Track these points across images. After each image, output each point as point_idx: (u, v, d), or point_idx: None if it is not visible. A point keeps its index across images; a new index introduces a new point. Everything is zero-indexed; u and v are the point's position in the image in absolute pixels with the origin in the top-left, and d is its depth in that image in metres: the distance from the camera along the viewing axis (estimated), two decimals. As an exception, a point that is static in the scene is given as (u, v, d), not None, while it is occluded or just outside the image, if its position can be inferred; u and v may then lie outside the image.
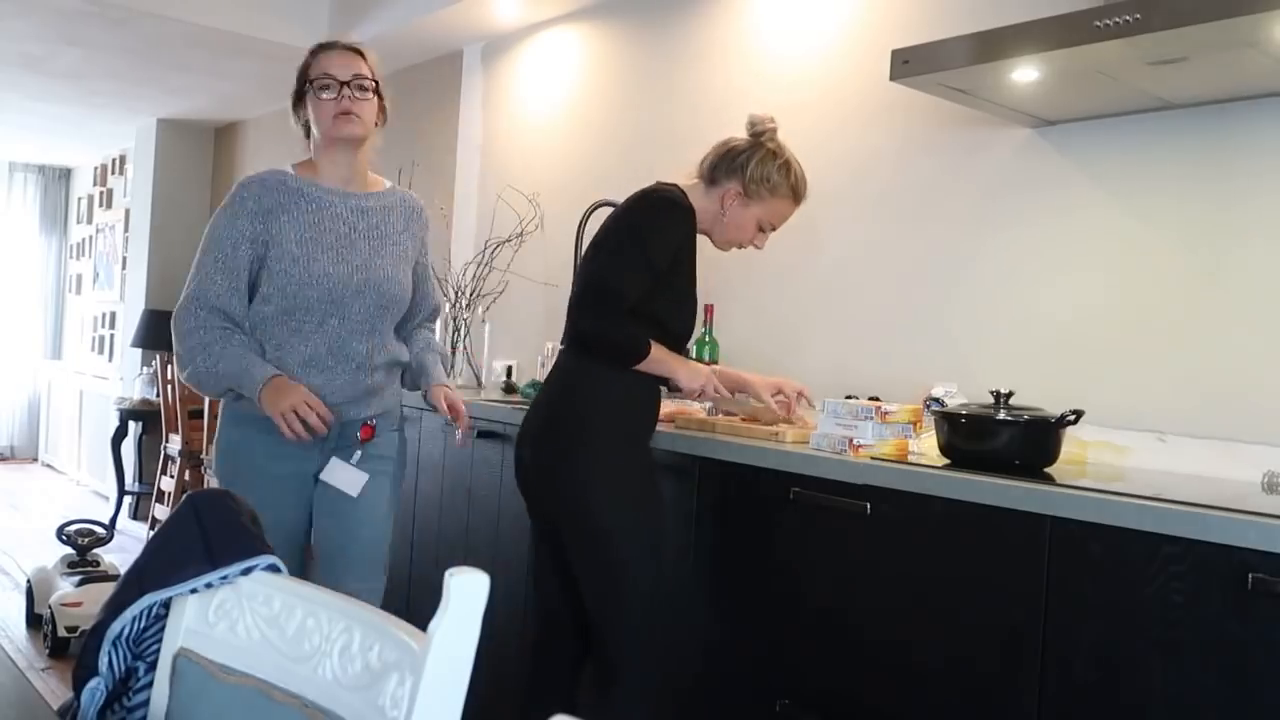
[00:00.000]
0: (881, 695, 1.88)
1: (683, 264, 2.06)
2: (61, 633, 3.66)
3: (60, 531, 4.06)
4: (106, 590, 3.89)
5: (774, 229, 2.18)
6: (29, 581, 4.06)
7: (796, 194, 2.14)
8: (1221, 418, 2.05)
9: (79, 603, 3.68)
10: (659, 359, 2.02)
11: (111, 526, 4.47)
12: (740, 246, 2.19)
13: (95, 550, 4.08)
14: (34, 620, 3.99)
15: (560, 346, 2.14)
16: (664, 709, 2.05)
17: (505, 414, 2.76)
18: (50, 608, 3.73)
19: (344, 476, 2.13)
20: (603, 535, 1.97)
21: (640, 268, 1.98)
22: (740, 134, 2.15)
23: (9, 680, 1.10)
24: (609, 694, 2.00)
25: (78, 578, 3.89)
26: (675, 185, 2.13)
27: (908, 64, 2.07)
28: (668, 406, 2.39)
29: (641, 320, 2.01)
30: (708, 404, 2.49)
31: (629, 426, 2.04)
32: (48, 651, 3.71)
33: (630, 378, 2.02)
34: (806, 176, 2.15)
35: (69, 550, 4.07)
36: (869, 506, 1.91)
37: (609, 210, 3.21)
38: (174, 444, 5.49)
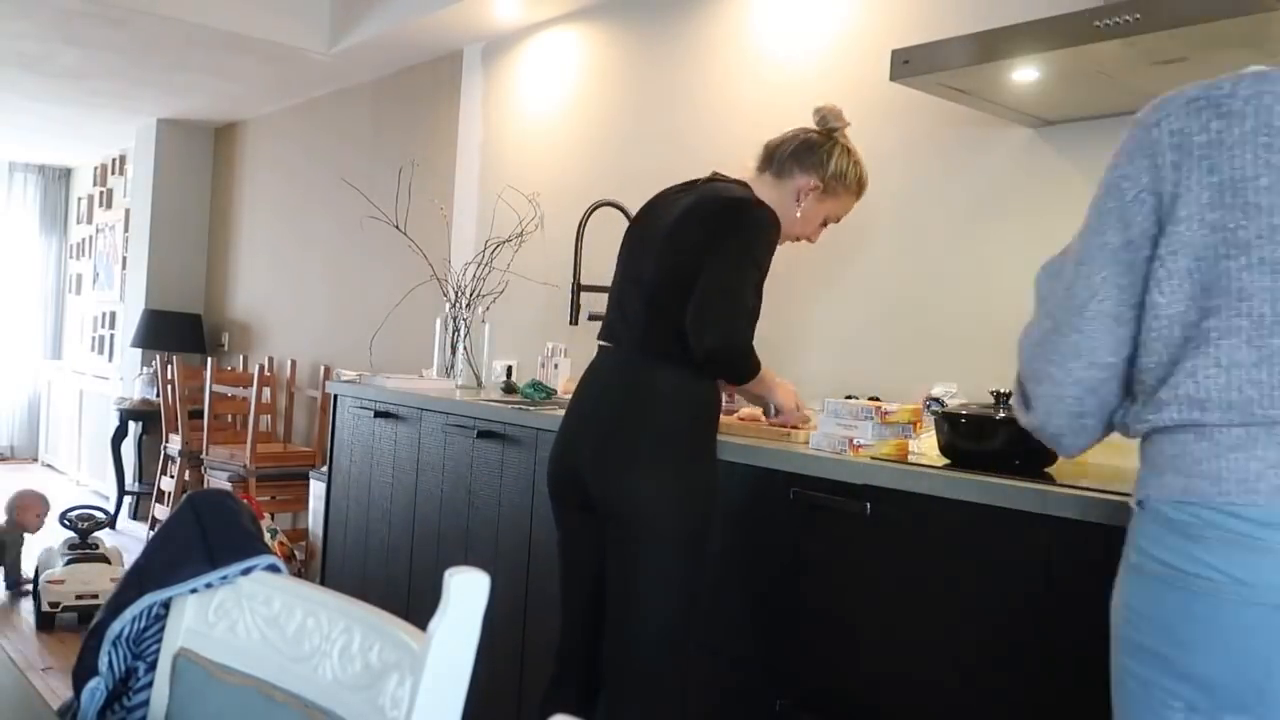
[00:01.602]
0: (881, 695, 1.88)
1: None
2: (45, 608, 3.99)
3: (63, 516, 4.26)
4: (90, 570, 4.02)
5: (836, 222, 2.17)
6: (36, 568, 4.24)
7: (862, 189, 2.15)
8: (1221, 418, 2.05)
9: (62, 580, 4.00)
10: (762, 379, 2.01)
11: (112, 525, 4.61)
12: (797, 240, 2.16)
13: (96, 534, 4.27)
14: (45, 621, 4.09)
15: (606, 344, 2.10)
16: (669, 711, 2.05)
17: (505, 414, 2.76)
18: (40, 584, 4.04)
19: None
20: (665, 539, 1.94)
21: (758, 288, 1.94)
22: (799, 125, 2.13)
23: (9, 681, 1.10)
24: (620, 692, 1.99)
25: (71, 558, 4.13)
26: (743, 184, 2.06)
27: (908, 64, 2.07)
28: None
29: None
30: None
31: (698, 427, 2.01)
32: (35, 624, 4.09)
33: (696, 375, 1.98)
34: None
35: (71, 534, 4.25)
36: (869, 506, 1.91)
37: (610, 210, 3.23)
38: (174, 444, 5.49)
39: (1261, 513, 1.08)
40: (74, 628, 4.05)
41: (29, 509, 4.56)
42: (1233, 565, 1.08)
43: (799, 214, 2.08)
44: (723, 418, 2.38)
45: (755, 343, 1.95)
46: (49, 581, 3.99)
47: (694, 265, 1.93)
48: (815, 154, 2.07)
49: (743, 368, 1.96)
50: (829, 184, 2.07)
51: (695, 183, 2.13)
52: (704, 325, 1.88)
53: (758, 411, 2.35)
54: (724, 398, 2.58)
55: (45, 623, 4.02)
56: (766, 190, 2.07)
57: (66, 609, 3.99)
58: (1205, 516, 1.10)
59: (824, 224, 2.16)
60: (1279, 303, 1.10)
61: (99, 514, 4.31)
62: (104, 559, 4.12)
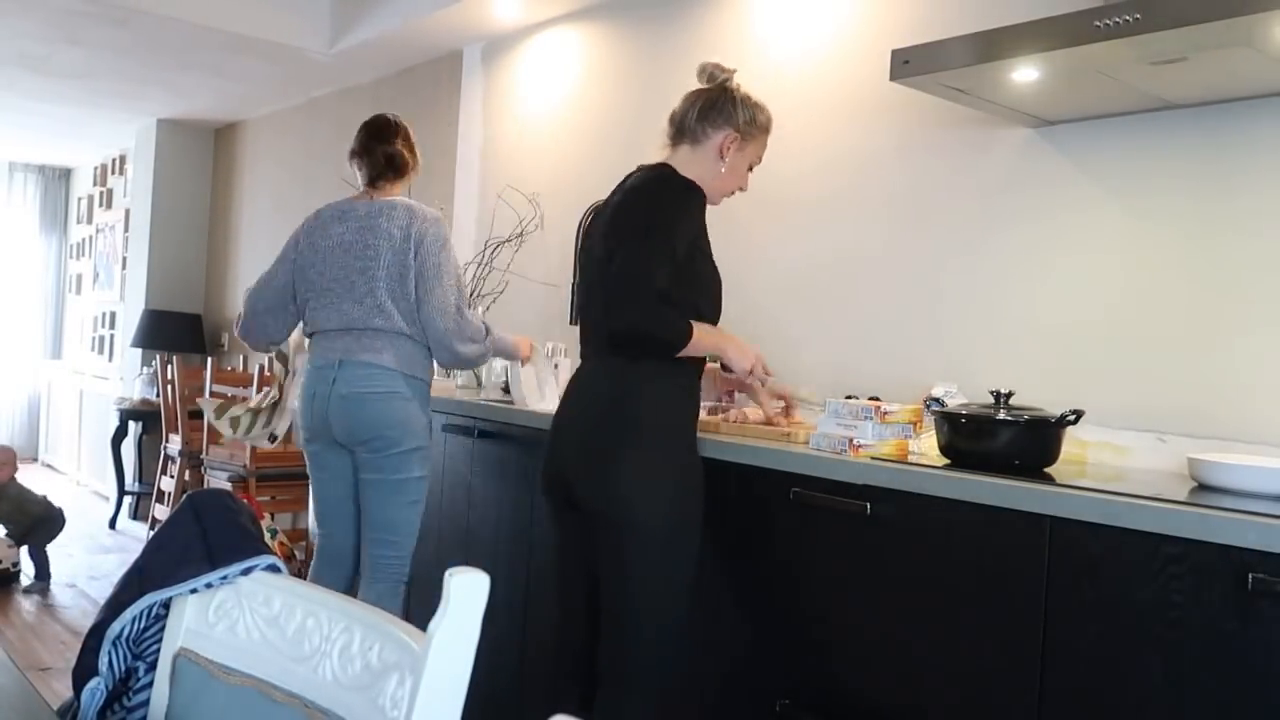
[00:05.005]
0: (881, 695, 1.88)
1: (700, 247, 2.04)
2: None
3: None
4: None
5: (758, 163, 2.20)
6: None
7: (770, 125, 2.17)
8: (1221, 418, 2.05)
9: None
10: (702, 339, 1.98)
11: (112, 526, 4.62)
12: (731, 194, 2.18)
13: None
14: None
15: (584, 351, 2.13)
16: (668, 709, 2.05)
17: (505, 414, 2.76)
18: None
19: None
20: (649, 534, 1.95)
21: (664, 257, 1.94)
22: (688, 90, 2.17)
23: (9, 681, 1.10)
24: (617, 690, 1.99)
25: None
26: (664, 165, 2.10)
27: (908, 64, 2.07)
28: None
29: (676, 310, 1.98)
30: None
31: (677, 421, 2.02)
32: None
33: (671, 370, 2.00)
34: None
35: None
36: (869, 506, 1.91)
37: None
38: (174, 444, 5.48)
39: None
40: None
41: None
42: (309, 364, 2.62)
43: (724, 169, 2.11)
44: (715, 419, 2.39)
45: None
46: None
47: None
48: (720, 109, 2.11)
49: (661, 342, 1.96)
50: (744, 131, 2.11)
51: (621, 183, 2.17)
52: (606, 312, 1.95)
53: (753, 412, 2.35)
54: (715, 395, 2.58)
55: None
56: (686, 160, 2.11)
57: None
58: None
59: (750, 169, 2.18)
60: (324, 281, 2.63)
61: None
62: None
